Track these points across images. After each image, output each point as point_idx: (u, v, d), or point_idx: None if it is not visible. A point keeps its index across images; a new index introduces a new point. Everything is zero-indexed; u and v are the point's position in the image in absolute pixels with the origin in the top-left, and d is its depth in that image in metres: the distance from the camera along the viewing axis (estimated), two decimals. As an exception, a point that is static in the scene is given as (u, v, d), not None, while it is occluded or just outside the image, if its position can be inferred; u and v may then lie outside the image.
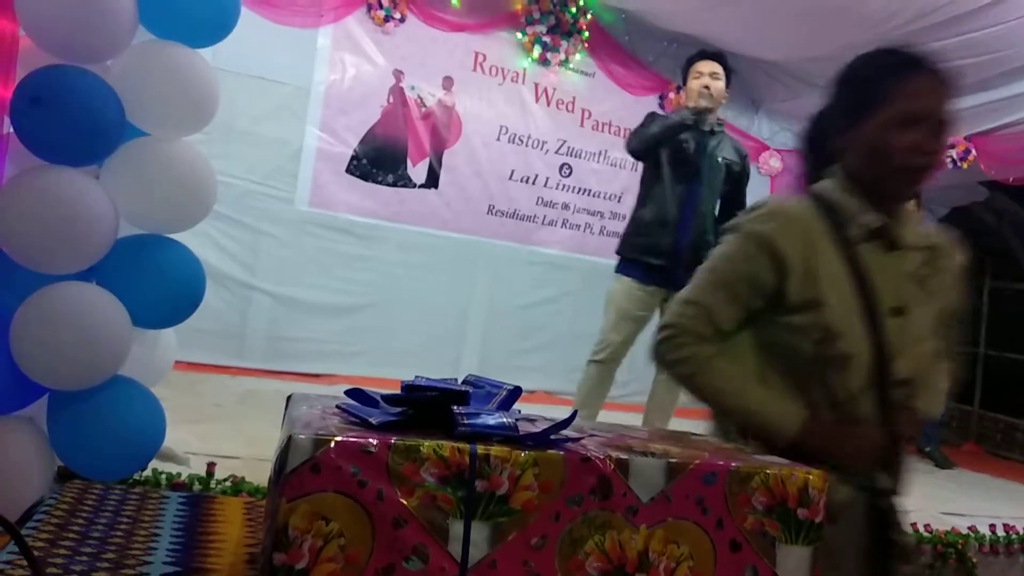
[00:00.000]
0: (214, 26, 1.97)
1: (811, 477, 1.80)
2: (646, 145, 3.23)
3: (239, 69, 4.11)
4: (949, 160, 4.70)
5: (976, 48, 4.00)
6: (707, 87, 3.21)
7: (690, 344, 1.38)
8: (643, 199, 3.33)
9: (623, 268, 3.31)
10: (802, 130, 1.49)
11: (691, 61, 3.38)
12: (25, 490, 1.72)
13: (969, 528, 2.88)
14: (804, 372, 1.34)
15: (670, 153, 3.23)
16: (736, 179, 3.33)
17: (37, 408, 1.81)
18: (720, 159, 3.29)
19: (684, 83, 3.38)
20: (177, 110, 1.91)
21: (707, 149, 3.27)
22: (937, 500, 3.58)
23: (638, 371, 4.89)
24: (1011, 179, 4.88)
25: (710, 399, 1.43)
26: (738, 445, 1.40)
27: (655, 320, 3.32)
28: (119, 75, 1.82)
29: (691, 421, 4.47)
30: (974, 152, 4.61)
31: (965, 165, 4.66)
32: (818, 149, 1.45)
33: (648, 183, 3.32)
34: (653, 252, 3.23)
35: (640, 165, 3.43)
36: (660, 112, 3.47)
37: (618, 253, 3.35)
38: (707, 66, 3.30)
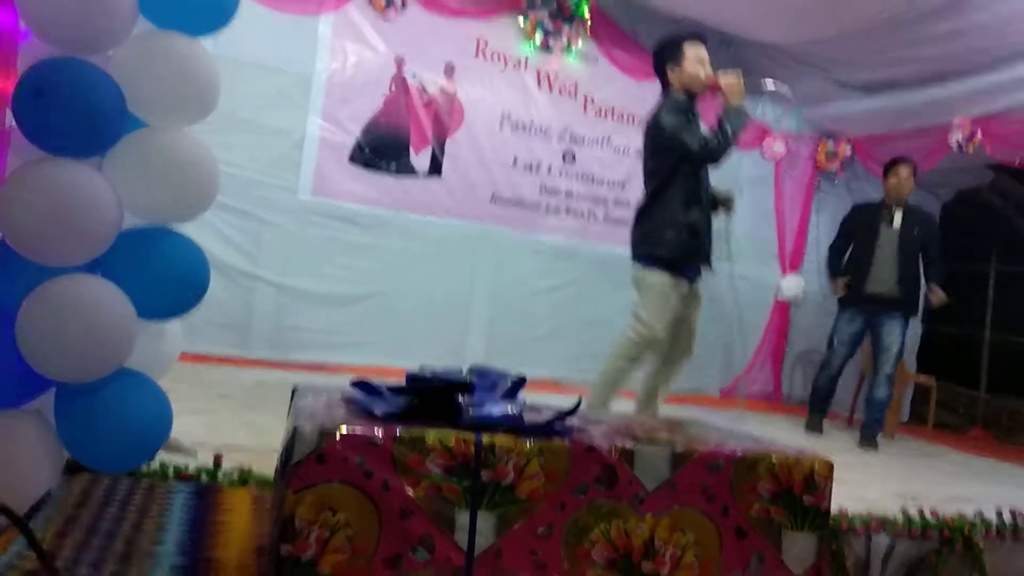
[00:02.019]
0: (214, 15, 1.96)
1: (817, 464, 1.80)
2: (729, 149, 3.13)
3: (240, 58, 4.09)
4: (954, 142, 4.67)
5: (980, 30, 3.97)
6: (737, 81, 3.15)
7: None
8: (681, 197, 3.18)
9: (662, 264, 3.20)
10: None
11: (682, 41, 3.23)
12: (33, 483, 1.73)
13: (976, 513, 2.88)
14: None
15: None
16: None
17: (44, 401, 1.81)
18: None
19: (676, 63, 3.21)
20: (179, 100, 1.90)
21: None
22: (943, 485, 3.58)
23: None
24: (1017, 162, 4.85)
25: None
26: None
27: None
28: (120, 66, 1.81)
29: (689, 408, 4.48)
30: (980, 135, 4.58)
31: (971, 148, 4.63)
32: None
33: (681, 180, 3.18)
34: (695, 252, 3.23)
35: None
36: (675, 107, 3.20)
37: (652, 253, 3.22)
38: (704, 52, 3.22)
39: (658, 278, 3.21)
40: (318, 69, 4.43)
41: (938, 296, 4.61)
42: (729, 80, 3.15)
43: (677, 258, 3.21)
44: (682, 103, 3.20)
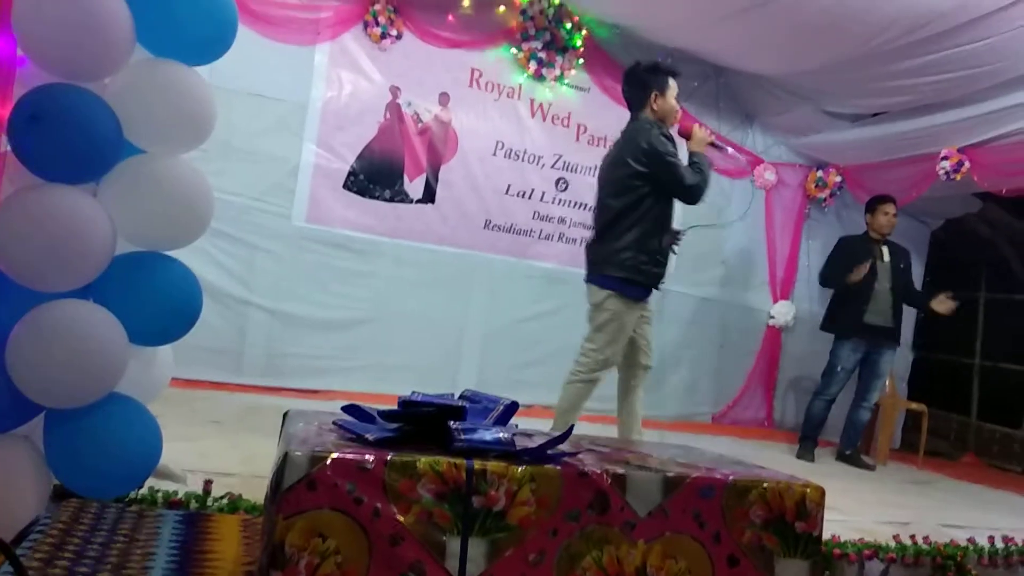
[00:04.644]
0: (211, 44, 1.98)
1: (808, 491, 1.80)
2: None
3: (236, 87, 4.13)
4: (943, 172, 4.73)
5: (967, 61, 4.04)
6: None
7: None
8: (652, 224, 3.24)
9: (626, 289, 3.23)
10: None
11: (669, 74, 3.35)
12: (21, 509, 1.72)
13: (968, 540, 2.88)
14: None
15: None
16: None
17: (33, 426, 1.80)
18: None
19: (661, 92, 3.30)
20: (174, 127, 1.92)
21: None
22: (936, 512, 3.58)
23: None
24: (1004, 190, 4.91)
25: None
26: None
27: None
28: (117, 93, 1.83)
29: (681, 434, 4.47)
30: (968, 164, 4.64)
31: (959, 177, 4.69)
32: None
33: (651, 207, 3.23)
34: (659, 278, 3.30)
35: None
36: (666, 137, 3.27)
37: (620, 277, 3.23)
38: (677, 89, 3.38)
39: (617, 304, 3.24)
40: (313, 97, 4.47)
41: (947, 303, 4.85)
42: (700, 131, 3.37)
43: (642, 283, 3.25)
44: (668, 134, 3.27)
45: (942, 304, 4.85)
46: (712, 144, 3.40)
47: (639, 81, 3.35)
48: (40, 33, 1.72)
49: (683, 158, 3.28)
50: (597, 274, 3.31)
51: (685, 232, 3.47)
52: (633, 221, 3.23)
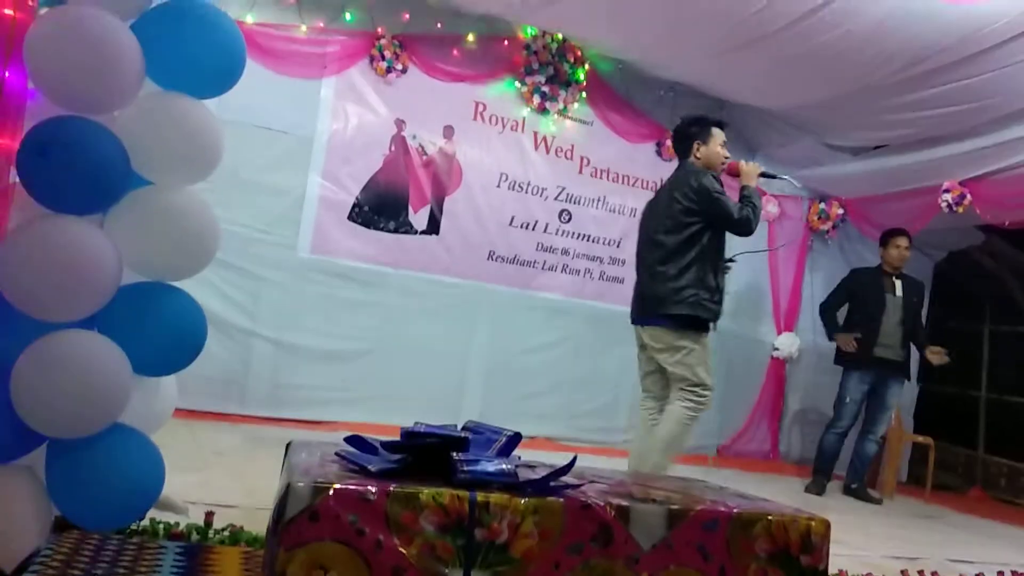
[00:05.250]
0: (219, 78, 2.01)
1: (814, 524, 1.79)
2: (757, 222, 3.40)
3: (244, 119, 4.17)
4: (945, 205, 4.75)
5: (969, 94, 4.07)
6: None
7: None
8: (711, 262, 3.33)
9: (702, 326, 3.32)
10: None
11: (712, 124, 3.49)
12: (22, 540, 1.71)
13: (977, 575, 2.84)
14: None
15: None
16: None
17: (35, 457, 1.80)
18: None
19: (704, 141, 3.42)
20: (182, 160, 1.94)
21: None
22: (943, 546, 3.54)
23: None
24: (1007, 223, 4.92)
25: None
26: None
27: None
28: (125, 125, 1.85)
29: (686, 467, 4.44)
30: (970, 197, 4.66)
31: (961, 209, 4.70)
32: None
33: (707, 244, 3.33)
34: (718, 315, 3.37)
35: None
36: (713, 177, 3.38)
37: (689, 315, 3.27)
38: (724, 137, 3.50)
39: (696, 337, 3.31)
40: (319, 130, 4.52)
41: (940, 357, 4.87)
42: (747, 166, 3.48)
43: (707, 318, 3.33)
44: (716, 176, 3.37)
45: (935, 355, 4.87)
46: (763, 175, 3.53)
47: (682, 133, 3.51)
48: (51, 66, 1.74)
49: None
50: (663, 314, 3.31)
51: (734, 261, 3.55)
52: (691, 259, 3.30)
